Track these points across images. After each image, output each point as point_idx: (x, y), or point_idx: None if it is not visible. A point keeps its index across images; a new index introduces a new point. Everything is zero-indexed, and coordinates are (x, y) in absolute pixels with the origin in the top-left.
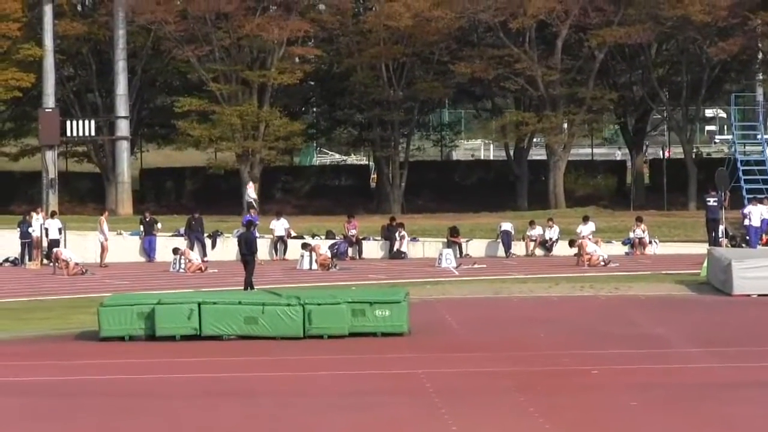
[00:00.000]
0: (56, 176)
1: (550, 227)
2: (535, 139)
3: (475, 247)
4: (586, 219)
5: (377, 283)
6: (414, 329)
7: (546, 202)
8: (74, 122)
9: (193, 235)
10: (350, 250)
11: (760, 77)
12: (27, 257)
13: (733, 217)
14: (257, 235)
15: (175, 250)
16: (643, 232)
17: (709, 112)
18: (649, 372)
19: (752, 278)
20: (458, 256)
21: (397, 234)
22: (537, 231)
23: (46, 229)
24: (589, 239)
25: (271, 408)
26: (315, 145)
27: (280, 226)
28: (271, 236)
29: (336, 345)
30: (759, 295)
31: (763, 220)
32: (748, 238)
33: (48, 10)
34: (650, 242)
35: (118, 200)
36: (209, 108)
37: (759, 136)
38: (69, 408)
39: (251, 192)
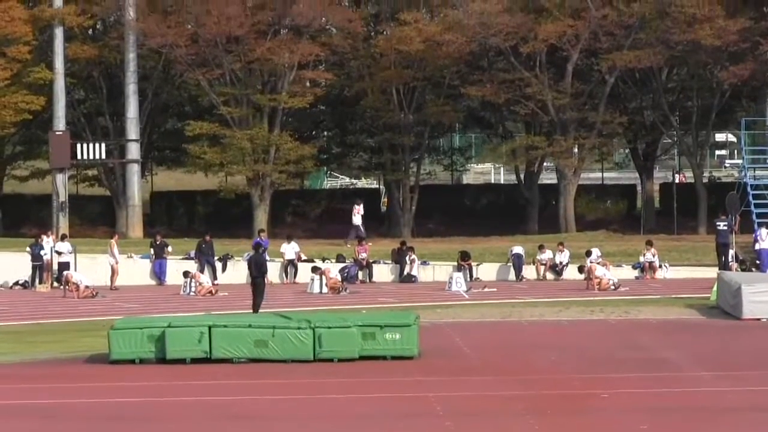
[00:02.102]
0: (67, 199)
1: (561, 251)
2: (545, 163)
3: (486, 271)
4: (588, 253)
5: (387, 306)
6: (424, 353)
7: (556, 226)
8: (85, 145)
9: (204, 258)
10: (360, 274)
11: None
12: (37, 280)
13: (744, 242)
14: (267, 258)
15: (186, 273)
16: (654, 256)
17: (719, 137)
18: (659, 396)
19: (762, 302)
20: (468, 279)
21: (407, 257)
22: (547, 255)
23: (57, 252)
24: (598, 263)
25: (280, 431)
26: (326, 169)
27: (290, 249)
28: (282, 260)
29: (346, 368)
30: None
31: None
32: (758, 262)
33: (59, 33)
34: (660, 266)
35: (129, 223)
36: (220, 132)
37: None
38: (78, 431)
39: (357, 215)
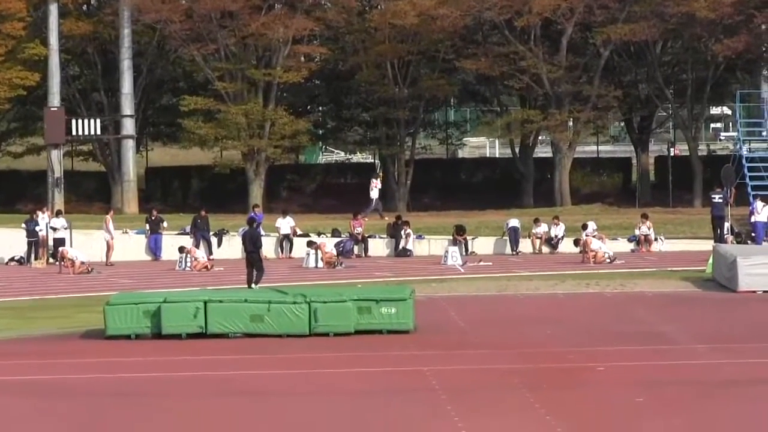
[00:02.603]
0: (62, 175)
1: (556, 225)
2: (540, 137)
3: (481, 245)
4: (585, 226)
5: (383, 280)
6: (420, 327)
7: (551, 199)
8: (80, 121)
9: (199, 233)
10: (356, 248)
11: (766, 74)
12: (33, 256)
13: (739, 214)
14: (262, 232)
15: (181, 249)
16: (649, 229)
17: (714, 110)
18: (655, 368)
19: (758, 275)
20: (464, 253)
21: (402, 232)
22: (542, 228)
23: (52, 228)
24: (594, 236)
25: (277, 406)
26: (321, 143)
27: (285, 224)
28: (277, 234)
29: (342, 342)
30: (764, 292)
31: None
32: (753, 234)
33: (53, 9)
34: (656, 239)
35: (124, 199)
36: (215, 107)
37: (764, 133)
38: (75, 406)
39: (375, 189)
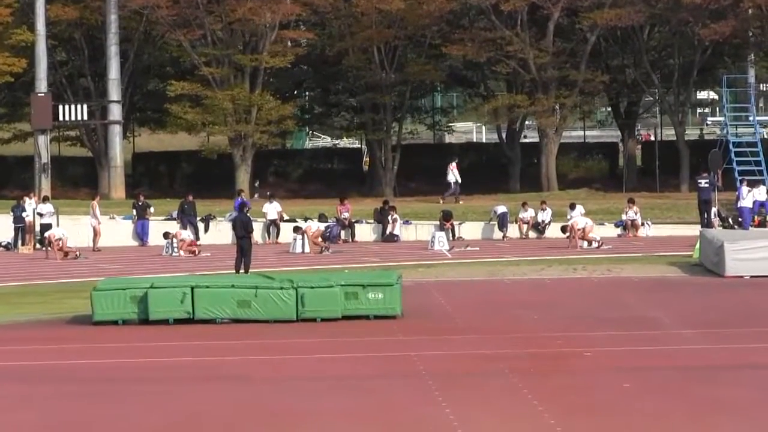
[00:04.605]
0: (49, 161)
1: (543, 210)
2: (527, 122)
3: (468, 230)
4: (573, 206)
5: (370, 265)
6: (407, 312)
7: (538, 184)
8: (66, 107)
9: (186, 218)
10: (343, 233)
11: (752, 58)
12: (20, 242)
13: (726, 199)
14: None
15: (166, 234)
16: (636, 213)
17: (701, 94)
18: (641, 354)
19: (744, 260)
20: (451, 238)
21: (389, 217)
22: (529, 213)
23: (39, 214)
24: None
25: (264, 391)
26: (307, 129)
27: (272, 209)
28: (264, 219)
29: (329, 328)
30: (751, 277)
31: (755, 202)
32: (740, 219)
33: None
34: (642, 224)
35: (111, 184)
36: (201, 92)
37: (751, 118)
38: (61, 392)
39: (454, 172)
